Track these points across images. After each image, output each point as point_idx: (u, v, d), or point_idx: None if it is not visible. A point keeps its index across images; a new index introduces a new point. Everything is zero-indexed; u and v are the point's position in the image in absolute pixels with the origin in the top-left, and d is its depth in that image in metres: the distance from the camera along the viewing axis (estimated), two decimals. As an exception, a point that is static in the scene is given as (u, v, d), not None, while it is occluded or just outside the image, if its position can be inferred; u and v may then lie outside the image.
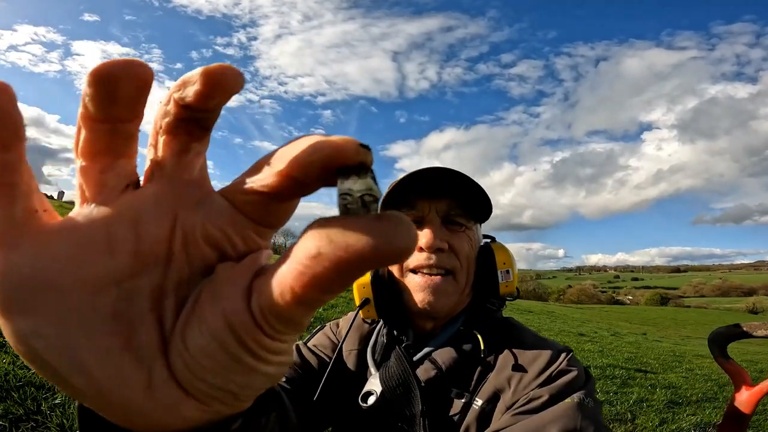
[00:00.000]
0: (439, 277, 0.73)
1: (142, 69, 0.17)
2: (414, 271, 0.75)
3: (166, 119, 0.18)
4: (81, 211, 0.18)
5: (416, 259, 0.74)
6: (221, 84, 0.17)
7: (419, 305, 0.73)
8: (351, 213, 0.15)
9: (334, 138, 0.16)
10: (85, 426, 0.22)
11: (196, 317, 0.17)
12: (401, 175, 0.76)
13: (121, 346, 0.17)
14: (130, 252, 0.17)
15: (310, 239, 0.15)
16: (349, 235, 0.14)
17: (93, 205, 0.18)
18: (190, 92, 0.17)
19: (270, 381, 0.19)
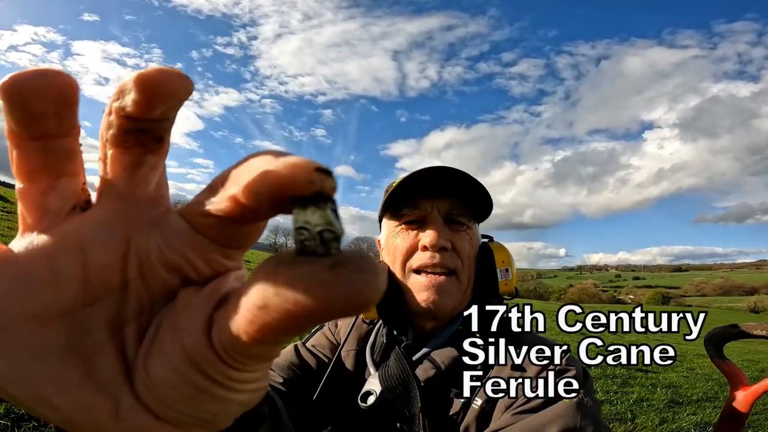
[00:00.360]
0: (443, 276, 0.73)
1: (59, 79, 0.15)
2: (417, 271, 0.75)
3: (111, 131, 0.17)
4: (22, 240, 0.17)
5: (420, 258, 0.74)
6: (160, 91, 0.15)
7: (423, 304, 0.73)
8: (308, 251, 0.14)
9: (283, 164, 0.14)
10: None
11: (156, 348, 0.16)
12: (402, 175, 0.76)
13: (81, 377, 0.16)
14: (78, 282, 0.16)
15: (257, 289, 0.14)
16: (298, 286, 0.13)
17: (35, 233, 0.17)
18: (129, 101, 0.15)
19: (245, 407, 0.18)
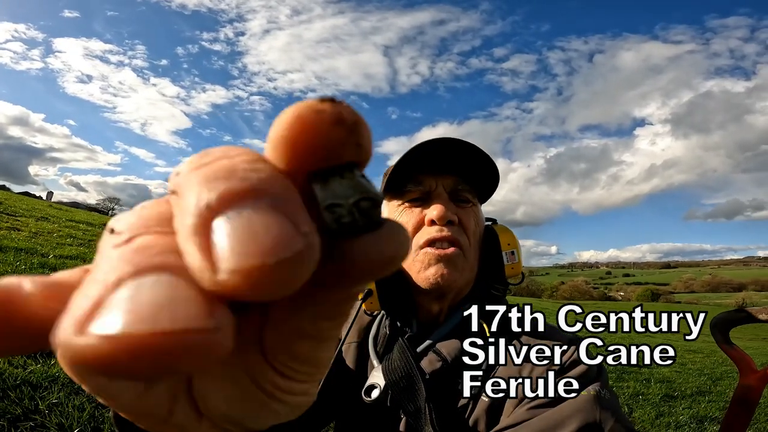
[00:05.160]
0: (452, 248, 0.69)
1: None
2: (425, 246, 0.71)
3: None
4: None
5: (427, 233, 0.71)
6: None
7: (431, 279, 0.69)
8: (347, 229, 0.12)
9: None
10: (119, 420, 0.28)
11: None
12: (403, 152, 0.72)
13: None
14: None
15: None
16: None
17: None
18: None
19: (286, 417, 0.19)
